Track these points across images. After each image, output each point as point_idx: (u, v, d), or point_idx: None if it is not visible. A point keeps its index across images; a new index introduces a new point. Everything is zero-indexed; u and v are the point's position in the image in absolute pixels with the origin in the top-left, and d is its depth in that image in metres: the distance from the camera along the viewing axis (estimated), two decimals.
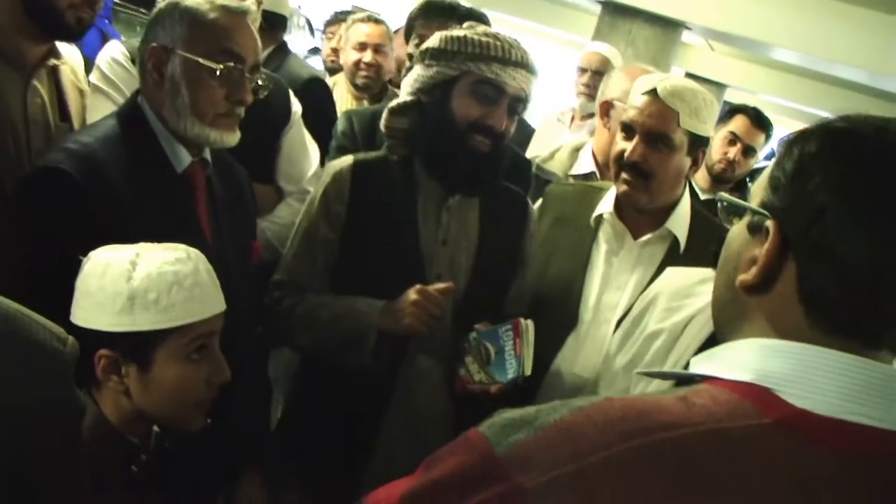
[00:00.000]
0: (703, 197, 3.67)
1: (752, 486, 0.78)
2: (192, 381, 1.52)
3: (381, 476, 1.01)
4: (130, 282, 1.45)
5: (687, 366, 0.97)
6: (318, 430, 2.08)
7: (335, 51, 4.56)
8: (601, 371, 2.09)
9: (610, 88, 3.04)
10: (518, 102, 2.06)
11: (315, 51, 7.64)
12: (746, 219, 0.97)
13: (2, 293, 1.07)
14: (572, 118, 4.27)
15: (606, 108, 3.00)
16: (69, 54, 2.26)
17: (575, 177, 3.00)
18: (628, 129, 2.20)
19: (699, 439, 0.80)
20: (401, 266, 2.06)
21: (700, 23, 7.88)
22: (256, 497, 1.99)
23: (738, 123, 3.82)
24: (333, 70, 4.53)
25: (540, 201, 2.42)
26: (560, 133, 4.15)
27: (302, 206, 2.17)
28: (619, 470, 0.78)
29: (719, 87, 12.96)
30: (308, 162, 2.88)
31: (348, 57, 3.96)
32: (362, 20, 3.98)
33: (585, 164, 3.02)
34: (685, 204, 2.29)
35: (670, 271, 2.01)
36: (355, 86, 3.91)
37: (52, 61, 2.11)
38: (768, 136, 3.87)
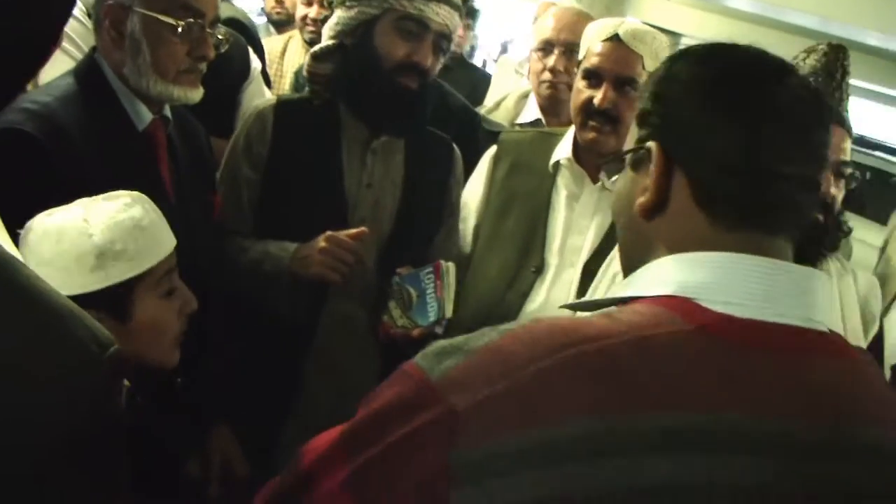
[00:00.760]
0: None
1: (679, 387, 0.80)
2: (168, 317, 1.56)
3: (305, 425, 1.02)
4: (92, 238, 1.44)
5: None
6: (241, 377, 2.06)
7: (279, 2, 4.47)
8: (569, 314, 2.11)
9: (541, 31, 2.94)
10: (442, 39, 2.05)
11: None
12: (628, 162, 1.05)
13: None
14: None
15: (549, 48, 2.87)
16: None
17: (521, 125, 2.98)
18: (593, 76, 2.20)
19: (624, 347, 0.82)
20: (324, 209, 2.06)
21: None
22: (229, 451, 2.00)
23: None
24: (279, 23, 4.45)
25: (494, 149, 2.41)
26: (518, 84, 4.14)
27: None
28: (548, 382, 0.80)
29: (674, 35, 12.95)
30: None
31: (297, 12, 3.92)
32: None
33: (532, 112, 2.99)
34: None
35: None
36: (304, 40, 3.87)
37: None
38: None
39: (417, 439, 0.81)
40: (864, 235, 3.08)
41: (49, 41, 0.92)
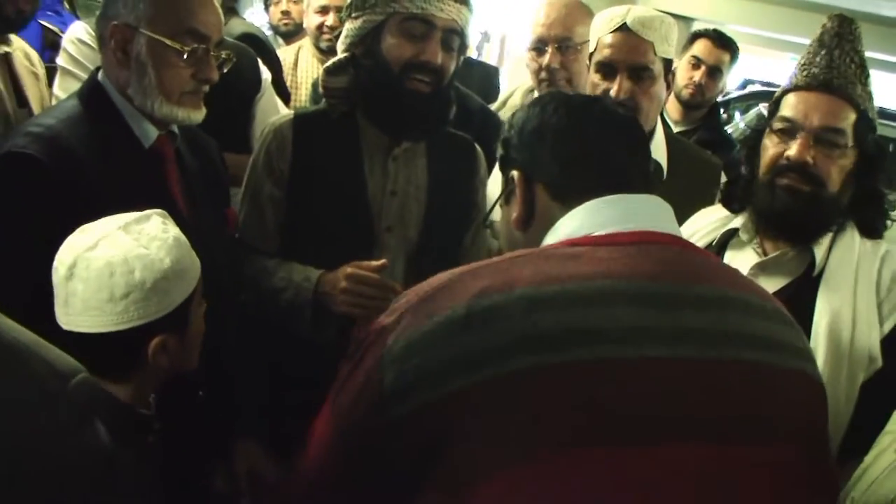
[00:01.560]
0: (675, 129, 3.66)
1: (576, 268, 1.12)
2: (201, 322, 1.59)
3: None
4: (163, 262, 1.45)
5: None
6: (274, 397, 2.05)
7: (286, 13, 4.48)
8: None
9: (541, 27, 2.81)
10: (452, 35, 2.02)
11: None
12: (501, 203, 1.40)
13: None
14: None
15: (542, 45, 2.78)
16: (21, 41, 2.22)
17: None
18: (607, 68, 2.19)
19: (528, 254, 1.18)
20: (350, 220, 2.04)
21: None
22: (256, 464, 1.98)
23: (699, 47, 3.81)
24: (287, 34, 4.46)
25: None
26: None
27: None
28: (456, 284, 1.12)
29: (686, 20, 12.86)
30: None
31: (311, 21, 3.91)
32: None
33: None
34: (660, 131, 2.33)
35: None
36: (320, 49, 3.86)
37: (3, 49, 2.06)
38: (734, 56, 3.85)
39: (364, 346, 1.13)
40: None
41: None
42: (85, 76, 2.28)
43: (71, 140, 1.69)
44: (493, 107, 3.03)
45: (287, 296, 1.98)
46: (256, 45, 3.40)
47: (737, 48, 3.86)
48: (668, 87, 2.28)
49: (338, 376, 1.18)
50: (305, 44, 4.05)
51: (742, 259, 1.85)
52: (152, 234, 1.48)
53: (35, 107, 2.19)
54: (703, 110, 3.80)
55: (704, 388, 1.09)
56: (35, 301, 1.43)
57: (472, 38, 2.18)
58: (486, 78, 4.08)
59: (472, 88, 2.93)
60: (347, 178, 2.06)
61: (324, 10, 3.84)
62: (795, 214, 1.76)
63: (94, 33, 2.36)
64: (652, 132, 2.27)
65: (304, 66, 3.96)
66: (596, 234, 1.20)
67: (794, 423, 1.17)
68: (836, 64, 1.76)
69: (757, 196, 1.81)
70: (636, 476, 1.02)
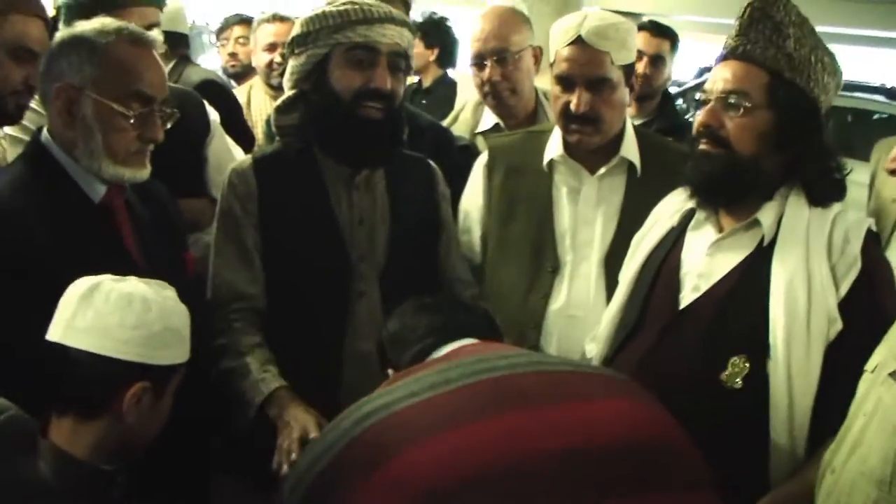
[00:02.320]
0: (634, 122, 3.68)
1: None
2: (170, 401, 1.59)
3: None
4: (175, 316, 1.54)
5: None
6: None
7: (233, 55, 4.53)
8: (592, 305, 2.19)
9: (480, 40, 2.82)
10: (397, 58, 2.04)
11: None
12: None
13: None
14: None
15: (480, 61, 2.79)
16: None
17: (484, 133, 2.91)
18: (565, 82, 2.21)
19: None
20: (324, 255, 2.05)
21: None
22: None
23: (639, 40, 3.82)
24: (237, 75, 4.50)
25: (485, 156, 2.42)
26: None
27: None
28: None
29: (634, 17, 12.97)
30: None
31: (260, 59, 3.97)
32: (268, 20, 4.00)
33: (490, 118, 2.94)
34: (630, 129, 2.34)
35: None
36: (271, 86, 3.89)
37: None
38: (673, 43, 3.88)
39: None
40: (855, 176, 3.04)
41: None
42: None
43: (17, 202, 1.69)
44: (446, 123, 3.04)
45: (239, 383, 1.94)
46: (215, 90, 3.43)
47: (675, 35, 3.90)
48: (632, 89, 2.30)
49: None
50: (256, 83, 4.10)
51: (702, 238, 1.89)
52: (171, 297, 1.56)
53: None
54: (656, 100, 3.82)
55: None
56: None
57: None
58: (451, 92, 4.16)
59: (443, 105, 2.92)
60: (316, 213, 2.07)
61: (271, 48, 3.88)
62: (711, 177, 1.80)
63: (37, 98, 2.38)
64: (622, 134, 2.29)
65: (256, 105, 4.02)
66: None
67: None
68: (746, 31, 1.79)
69: (688, 167, 1.85)
70: None
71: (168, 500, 1.74)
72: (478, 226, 2.38)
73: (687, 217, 1.95)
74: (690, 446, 1.40)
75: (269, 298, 2.08)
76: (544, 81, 2.82)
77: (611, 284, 2.14)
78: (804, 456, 1.69)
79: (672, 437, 1.40)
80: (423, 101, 4.38)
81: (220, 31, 4.84)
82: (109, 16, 1.88)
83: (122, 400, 1.47)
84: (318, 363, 2.02)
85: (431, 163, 2.29)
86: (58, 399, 1.48)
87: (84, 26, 1.81)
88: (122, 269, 1.58)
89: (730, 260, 1.81)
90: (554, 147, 2.29)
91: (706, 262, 1.84)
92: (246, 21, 4.49)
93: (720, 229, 1.86)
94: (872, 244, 1.76)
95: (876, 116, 9.39)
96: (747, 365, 1.72)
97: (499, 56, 2.73)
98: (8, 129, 2.37)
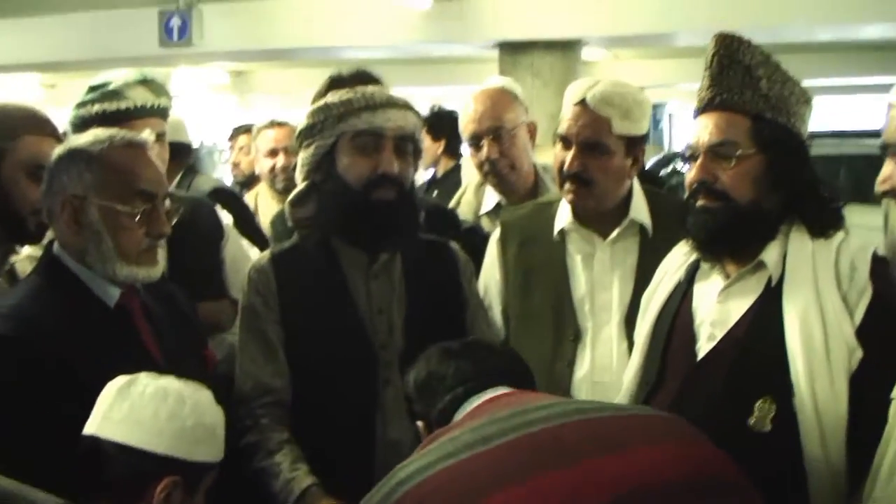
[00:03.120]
0: None
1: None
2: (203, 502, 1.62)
3: None
4: (209, 414, 1.59)
5: None
6: None
7: (237, 165, 4.64)
8: (616, 369, 2.18)
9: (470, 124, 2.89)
10: (404, 141, 2.07)
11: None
12: None
13: None
14: None
15: (476, 141, 2.85)
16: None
17: (488, 214, 2.96)
18: (565, 141, 2.25)
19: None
20: (348, 346, 2.06)
21: (595, 34, 8.07)
22: None
23: None
24: (243, 184, 4.60)
25: (498, 231, 2.46)
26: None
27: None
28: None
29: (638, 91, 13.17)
30: None
31: (262, 166, 4.06)
32: (266, 126, 4.10)
33: (492, 198, 2.98)
34: (638, 191, 2.35)
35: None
36: (277, 191, 3.97)
37: (12, 259, 2.14)
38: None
39: None
40: (870, 220, 3.03)
41: None
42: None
43: (37, 314, 1.74)
44: (451, 205, 3.09)
45: (272, 483, 1.96)
46: (225, 195, 3.53)
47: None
48: (636, 161, 2.30)
49: None
50: (262, 189, 4.19)
51: (711, 287, 1.88)
52: (207, 396, 1.61)
53: None
54: None
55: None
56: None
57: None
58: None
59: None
60: (337, 304, 2.08)
61: (272, 153, 3.98)
62: (716, 231, 1.80)
63: None
64: (629, 197, 2.31)
65: (264, 211, 4.07)
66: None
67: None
68: (717, 80, 1.82)
69: (688, 223, 1.86)
70: None
71: None
72: (497, 300, 2.40)
73: (692, 269, 1.95)
74: (743, 477, 1.40)
75: (298, 391, 2.08)
76: (544, 156, 2.89)
77: (633, 347, 2.12)
78: (845, 489, 1.66)
79: (722, 470, 1.39)
80: (435, 192, 4.44)
81: (229, 140, 4.98)
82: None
83: (152, 494, 1.48)
84: (349, 454, 2.01)
85: (451, 245, 2.30)
86: (91, 490, 1.50)
87: (78, 140, 1.89)
88: (143, 370, 1.61)
89: (741, 304, 1.81)
90: (564, 216, 2.32)
91: (718, 309, 1.84)
92: (248, 130, 4.60)
93: (727, 276, 1.85)
94: (880, 268, 1.75)
95: None
96: (773, 406, 1.70)
97: (494, 134, 2.78)
98: (28, 250, 2.43)
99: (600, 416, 1.48)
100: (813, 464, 1.66)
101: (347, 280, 2.10)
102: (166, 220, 1.89)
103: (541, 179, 2.92)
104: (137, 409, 1.50)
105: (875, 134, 1.62)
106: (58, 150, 1.88)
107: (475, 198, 3.06)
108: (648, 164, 3.85)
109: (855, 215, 3.24)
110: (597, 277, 2.28)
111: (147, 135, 2.00)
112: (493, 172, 2.82)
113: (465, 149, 4.18)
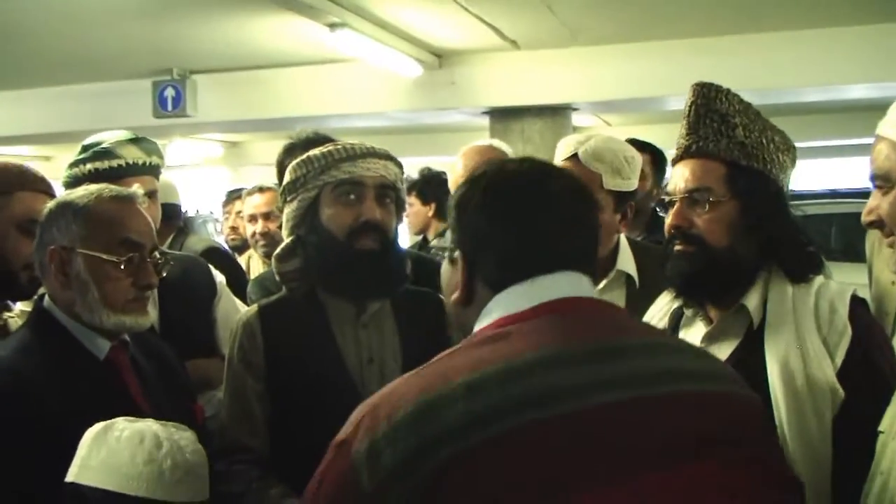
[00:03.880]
0: None
1: (516, 353, 1.20)
2: None
3: None
4: (187, 453, 1.56)
5: None
6: None
7: (234, 229, 4.72)
8: None
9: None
10: (385, 190, 2.10)
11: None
12: (448, 258, 1.44)
13: None
14: None
15: None
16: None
17: None
18: None
19: (466, 346, 1.30)
20: (334, 396, 2.04)
21: (584, 100, 8.18)
22: None
23: None
24: (236, 248, 4.66)
25: None
26: None
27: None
28: (401, 387, 1.25)
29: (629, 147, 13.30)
30: None
31: (247, 230, 4.11)
32: (251, 193, 4.18)
33: None
34: (624, 243, 2.40)
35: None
36: (261, 255, 4.04)
37: (5, 316, 2.15)
38: (654, 156, 4.01)
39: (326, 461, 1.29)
40: (862, 279, 3.08)
41: None
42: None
43: (26, 367, 1.75)
44: (435, 242, 3.11)
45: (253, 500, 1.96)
46: (218, 255, 3.59)
47: (657, 150, 4.00)
48: (625, 217, 2.33)
49: (305, 495, 1.29)
50: (253, 253, 4.26)
51: (694, 333, 1.90)
52: (187, 436, 1.60)
53: None
54: (645, 216, 3.86)
55: (654, 420, 1.20)
56: None
57: None
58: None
59: None
60: (323, 355, 2.08)
61: (252, 219, 4.08)
62: (692, 275, 1.83)
63: None
64: (616, 250, 2.34)
65: (255, 272, 4.16)
66: (520, 310, 1.30)
67: (735, 434, 1.26)
68: (695, 129, 1.87)
69: (667, 268, 1.89)
70: None
71: None
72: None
73: (677, 316, 1.97)
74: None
75: (287, 442, 2.07)
76: None
77: None
78: None
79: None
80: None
81: (223, 206, 5.06)
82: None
83: None
84: None
85: (439, 294, 2.27)
86: None
87: (69, 194, 1.92)
88: None
89: (724, 349, 1.83)
90: None
91: None
92: (241, 196, 4.68)
93: (710, 321, 1.88)
94: (859, 309, 1.77)
95: None
96: None
97: None
98: (20, 306, 2.45)
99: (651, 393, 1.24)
100: None
101: (335, 331, 2.10)
102: (154, 272, 1.91)
103: None
104: (114, 454, 1.50)
105: (866, 194, 1.66)
106: (49, 205, 1.92)
107: None
108: None
109: (845, 274, 3.28)
110: None
111: (136, 188, 2.02)
112: None
113: None
